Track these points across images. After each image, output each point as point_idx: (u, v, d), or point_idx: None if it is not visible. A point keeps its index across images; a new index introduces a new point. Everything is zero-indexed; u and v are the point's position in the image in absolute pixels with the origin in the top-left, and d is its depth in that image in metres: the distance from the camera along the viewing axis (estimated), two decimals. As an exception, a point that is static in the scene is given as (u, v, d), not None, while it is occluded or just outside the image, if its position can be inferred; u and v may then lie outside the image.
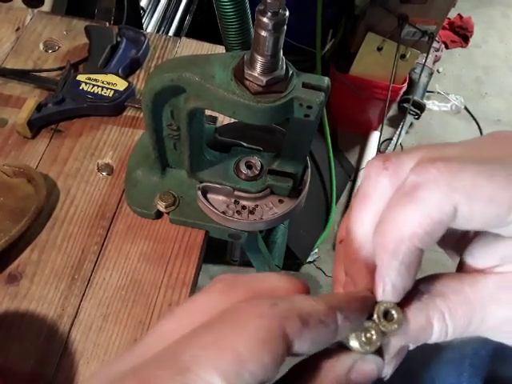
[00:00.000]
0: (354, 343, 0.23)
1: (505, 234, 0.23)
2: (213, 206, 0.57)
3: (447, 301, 0.24)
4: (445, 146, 0.24)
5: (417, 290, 0.25)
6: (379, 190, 0.25)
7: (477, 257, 0.25)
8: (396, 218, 0.23)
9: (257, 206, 0.58)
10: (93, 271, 0.57)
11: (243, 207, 0.58)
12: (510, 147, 0.24)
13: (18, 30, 0.78)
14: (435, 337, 0.24)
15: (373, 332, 0.23)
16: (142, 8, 1.16)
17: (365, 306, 0.23)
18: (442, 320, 0.24)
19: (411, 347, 0.25)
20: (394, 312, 0.24)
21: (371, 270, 0.25)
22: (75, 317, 0.54)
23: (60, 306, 0.55)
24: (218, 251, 1.41)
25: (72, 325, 0.54)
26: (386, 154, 0.25)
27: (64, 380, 0.51)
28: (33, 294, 0.55)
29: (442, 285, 0.25)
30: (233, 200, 0.59)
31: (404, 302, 0.24)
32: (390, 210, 0.23)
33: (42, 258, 0.57)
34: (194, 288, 0.59)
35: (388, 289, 0.23)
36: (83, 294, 0.56)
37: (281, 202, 0.58)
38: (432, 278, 0.25)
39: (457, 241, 0.28)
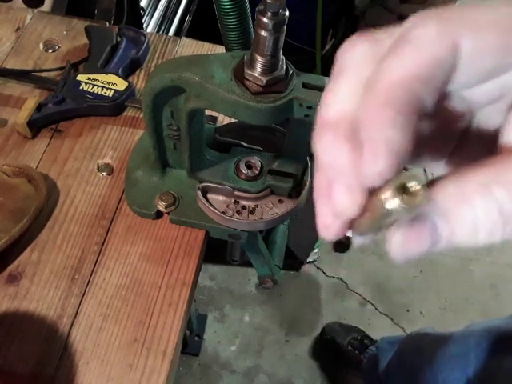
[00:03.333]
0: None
1: None
2: (213, 206, 0.57)
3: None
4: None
5: None
6: (358, 58, 0.19)
7: None
8: (386, 67, 0.18)
9: (257, 205, 0.58)
10: (93, 271, 0.57)
11: (243, 207, 0.58)
12: None
13: (18, 30, 0.78)
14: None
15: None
16: (142, 8, 1.16)
17: None
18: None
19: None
20: (413, 184, 0.17)
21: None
22: (75, 317, 0.54)
23: (60, 306, 0.55)
24: (218, 251, 1.41)
25: (72, 325, 0.54)
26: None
27: (64, 380, 0.51)
28: (33, 293, 0.55)
29: None
30: (233, 200, 0.59)
31: None
32: (377, 66, 0.18)
33: (41, 258, 0.57)
34: (194, 288, 0.59)
35: (381, 151, 0.17)
36: (83, 294, 0.56)
37: (281, 201, 0.58)
38: None
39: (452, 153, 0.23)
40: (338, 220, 0.20)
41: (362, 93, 0.18)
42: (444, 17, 0.17)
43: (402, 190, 0.17)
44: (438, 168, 0.24)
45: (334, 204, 0.19)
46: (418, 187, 0.17)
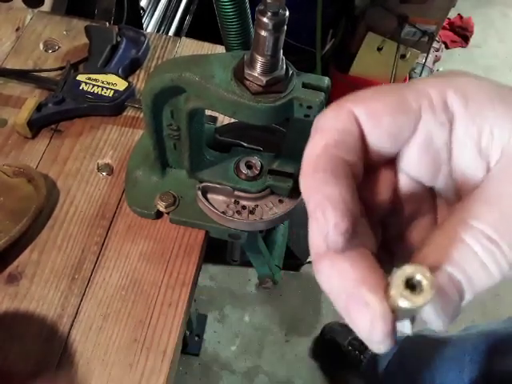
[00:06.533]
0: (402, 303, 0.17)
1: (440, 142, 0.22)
2: (213, 206, 0.57)
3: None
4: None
5: None
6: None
7: (467, 174, 0.23)
8: (308, 146, 0.23)
9: (257, 205, 0.58)
10: (93, 271, 0.57)
11: (243, 207, 0.58)
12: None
13: (18, 29, 0.78)
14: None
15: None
16: (142, 8, 1.16)
17: None
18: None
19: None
20: (419, 279, 0.17)
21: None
22: (75, 317, 0.54)
23: (60, 306, 0.55)
24: (218, 251, 1.41)
25: (72, 325, 0.54)
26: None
27: (64, 380, 0.51)
28: (33, 294, 0.55)
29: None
30: (233, 200, 0.59)
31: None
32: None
33: (41, 258, 0.57)
34: (194, 288, 0.59)
35: (326, 207, 0.19)
36: (83, 294, 0.56)
37: (281, 202, 0.58)
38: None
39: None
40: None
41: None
42: (339, 102, 0.23)
43: (408, 285, 0.17)
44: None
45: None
46: (425, 282, 0.17)
